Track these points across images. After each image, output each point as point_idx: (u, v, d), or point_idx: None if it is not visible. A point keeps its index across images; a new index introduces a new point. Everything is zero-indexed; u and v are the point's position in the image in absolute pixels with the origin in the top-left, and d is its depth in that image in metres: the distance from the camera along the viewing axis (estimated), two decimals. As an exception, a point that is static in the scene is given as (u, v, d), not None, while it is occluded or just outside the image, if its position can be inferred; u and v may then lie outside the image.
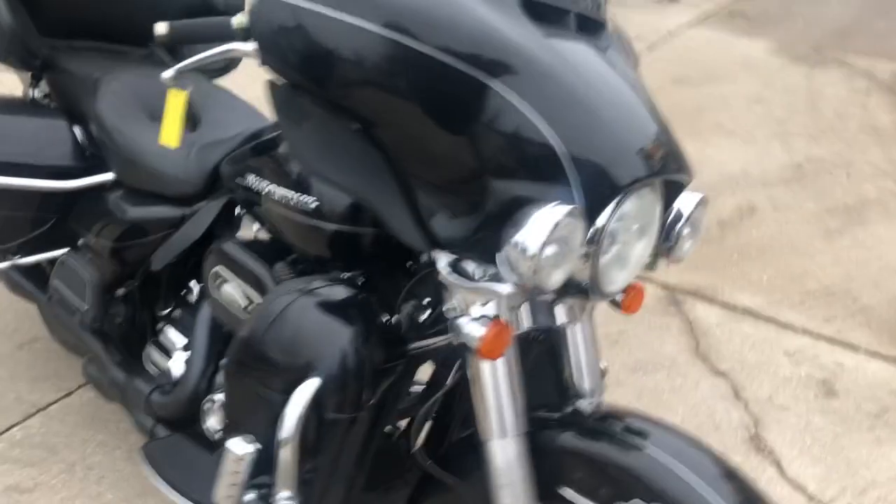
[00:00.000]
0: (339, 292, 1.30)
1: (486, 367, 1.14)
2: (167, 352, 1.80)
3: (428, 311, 1.32)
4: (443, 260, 1.12)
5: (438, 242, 1.11)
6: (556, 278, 1.04)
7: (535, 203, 1.00)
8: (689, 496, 1.08)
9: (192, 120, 1.90)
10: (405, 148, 1.10)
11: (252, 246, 1.53)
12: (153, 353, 1.82)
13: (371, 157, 1.12)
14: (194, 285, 1.79)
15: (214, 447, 1.56)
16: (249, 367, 1.32)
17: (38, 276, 2.10)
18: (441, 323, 1.27)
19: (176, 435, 1.67)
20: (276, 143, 1.45)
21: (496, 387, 1.15)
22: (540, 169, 1.01)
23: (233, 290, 1.49)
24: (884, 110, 4.30)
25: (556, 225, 0.98)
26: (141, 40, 2.01)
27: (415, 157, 1.10)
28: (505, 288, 1.06)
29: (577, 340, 1.28)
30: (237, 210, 1.60)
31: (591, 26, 1.15)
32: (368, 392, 1.26)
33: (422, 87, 1.04)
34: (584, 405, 1.27)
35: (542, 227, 0.98)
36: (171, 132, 1.37)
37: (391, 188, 1.12)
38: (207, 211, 1.64)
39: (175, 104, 1.36)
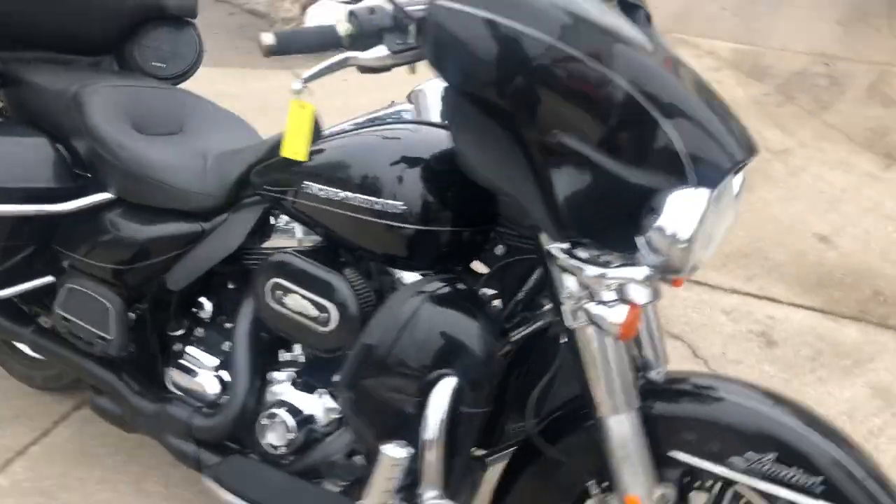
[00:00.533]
0: (457, 291, 1.34)
1: (604, 346, 1.21)
2: (189, 373, 1.72)
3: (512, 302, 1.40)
4: (561, 249, 1.17)
5: (571, 232, 1.15)
6: (699, 258, 1.12)
7: (664, 190, 1.07)
8: (796, 440, 1.20)
9: (178, 129, 1.83)
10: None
11: (313, 255, 1.50)
12: (175, 375, 1.73)
13: (518, 154, 1.14)
14: (205, 302, 1.73)
15: (278, 463, 1.57)
16: (379, 375, 1.32)
17: (8, 310, 1.94)
18: (528, 310, 1.38)
19: (236, 455, 1.62)
20: (323, 150, 1.45)
21: (616, 364, 1.23)
22: (664, 159, 1.08)
23: (300, 301, 1.46)
24: (736, 84, 4.74)
25: (706, 208, 1.07)
26: (88, 49, 1.94)
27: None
28: (641, 271, 1.13)
29: (649, 315, 1.39)
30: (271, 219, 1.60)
31: (630, 8, 1.21)
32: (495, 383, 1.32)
33: (581, 94, 1.09)
34: (655, 375, 1.36)
35: (692, 211, 1.06)
36: (299, 145, 1.34)
37: (533, 183, 1.14)
38: (240, 223, 1.60)
39: (302, 116, 1.33)
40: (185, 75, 1.99)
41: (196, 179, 1.65)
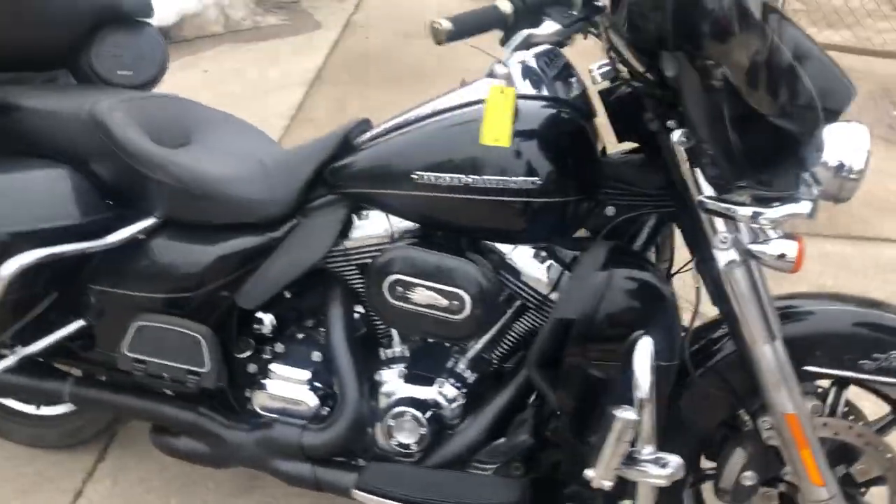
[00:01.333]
0: (630, 253, 1.42)
1: (756, 282, 1.32)
2: (280, 392, 1.60)
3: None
4: (714, 198, 1.27)
5: (746, 175, 1.22)
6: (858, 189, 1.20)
7: (810, 132, 1.18)
8: None
9: (189, 139, 1.71)
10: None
11: (429, 244, 1.48)
12: (262, 398, 1.61)
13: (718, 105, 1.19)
14: (265, 316, 1.62)
15: (416, 460, 1.56)
16: (581, 345, 1.34)
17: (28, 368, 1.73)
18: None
19: (371, 464, 1.56)
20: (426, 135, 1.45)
21: (766, 297, 1.34)
22: (805, 103, 1.18)
23: (427, 293, 1.43)
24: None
25: (868, 142, 1.17)
26: (41, 63, 1.78)
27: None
28: (805, 206, 1.19)
29: None
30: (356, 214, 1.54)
31: None
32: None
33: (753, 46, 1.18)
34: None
35: (858, 143, 1.16)
36: (501, 132, 1.31)
37: (726, 133, 1.19)
38: (323, 227, 1.52)
39: (503, 101, 1.30)
40: (155, 80, 1.81)
41: (260, 188, 1.56)
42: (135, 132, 1.58)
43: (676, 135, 1.28)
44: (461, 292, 1.42)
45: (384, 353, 1.59)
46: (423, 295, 1.44)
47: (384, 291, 1.46)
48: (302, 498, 1.78)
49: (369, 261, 1.51)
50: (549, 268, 1.46)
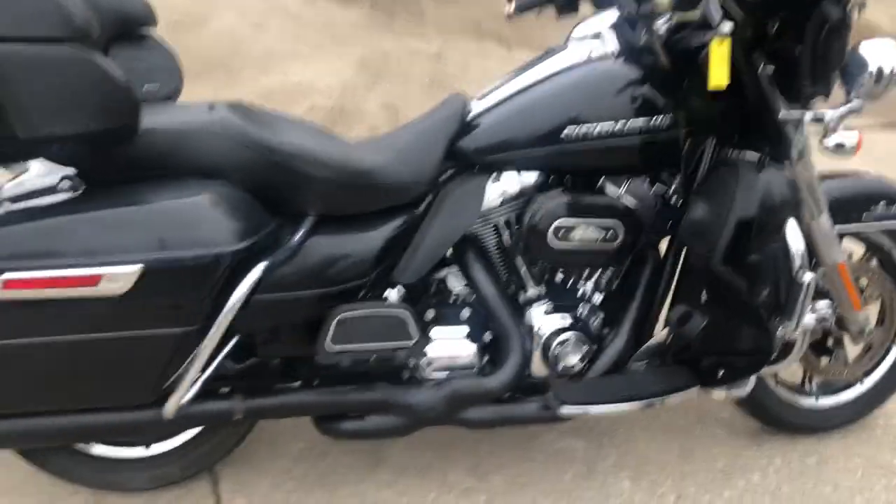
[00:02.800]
0: (760, 157, 1.62)
1: (813, 169, 1.66)
2: (445, 351, 1.69)
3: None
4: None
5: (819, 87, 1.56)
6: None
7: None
8: None
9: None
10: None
11: (575, 189, 1.66)
12: (430, 359, 1.68)
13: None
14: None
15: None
16: (756, 237, 1.56)
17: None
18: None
19: (560, 385, 1.71)
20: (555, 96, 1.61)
21: (817, 179, 1.69)
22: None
23: (586, 231, 1.63)
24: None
25: None
26: None
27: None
28: (858, 103, 1.54)
29: None
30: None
31: None
32: None
33: None
34: None
35: (890, 55, 1.53)
36: (721, 76, 1.49)
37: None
38: (468, 197, 1.64)
39: (722, 50, 1.48)
40: (179, 90, 1.67)
41: (403, 171, 1.60)
42: (279, 134, 1.54)
43: (762, 67, 1.57)
44: (614, 223, 1.64)
45: (522, 297, 1.72)
46: (583, 233, 1.63)
47: (549, 236, 1.61)
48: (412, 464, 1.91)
49: (502, 218, 1.67)
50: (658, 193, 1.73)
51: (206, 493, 1.82)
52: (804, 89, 1.57)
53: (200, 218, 1.38)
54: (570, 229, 1.62)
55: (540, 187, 1.69)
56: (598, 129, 1.59)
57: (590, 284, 1.77)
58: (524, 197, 1.68)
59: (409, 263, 1.62)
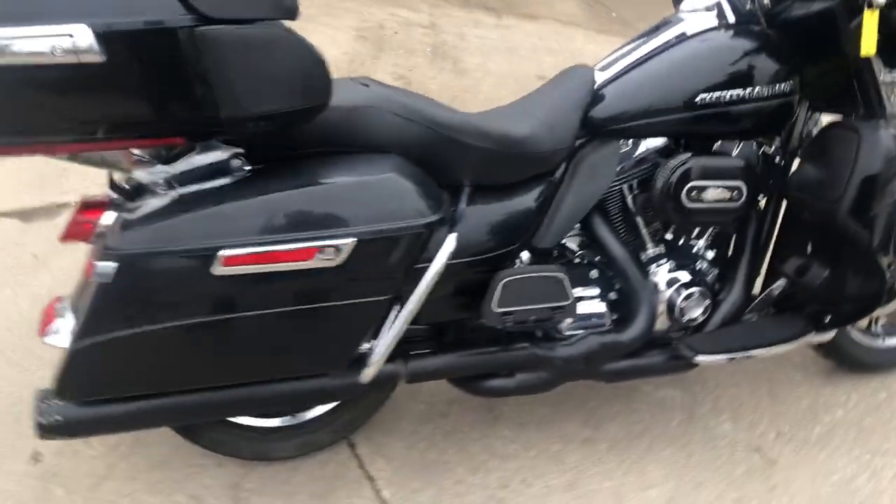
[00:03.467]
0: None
1: None
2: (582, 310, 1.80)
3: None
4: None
5: None
6: None
7: None
8: None
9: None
10: None
11: (702, 152, 1.76)
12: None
13: None
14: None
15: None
16: (880, 190, 1.70)
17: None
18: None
19: (689, 338, 1.84)
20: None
21: None
22: None
23: (716, 192, 1.73)
24: None
25: None
26: None
27: None
28: None
29: None
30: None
31: None
32: None
33: None
34: None
35: None
36: (872, 44, 1.61)
37: None
38: (602, 164, 1.73)
39: (872, 19, 1.60)
40: None
41: (548, 140, 1.66)
42: (438, 109, 1.59)
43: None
44: (739, 183, 1.74)
45: (643, 257, 1.82)
46: (713, 193, 1.73)
47: (682, 198, 1.71)
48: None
49: (626, 183, 1.77)
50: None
51: (346, 456, 1.88)
52: None
53: (401, 191, 1.43)
54: (701, 190, 1.71)
55: (661, 152, 1.78)
56: (729, 95, 1.68)
57: (702, 241, 1.88)
58: (648, 162, 1.78)
59: (548, 229, 1.70)
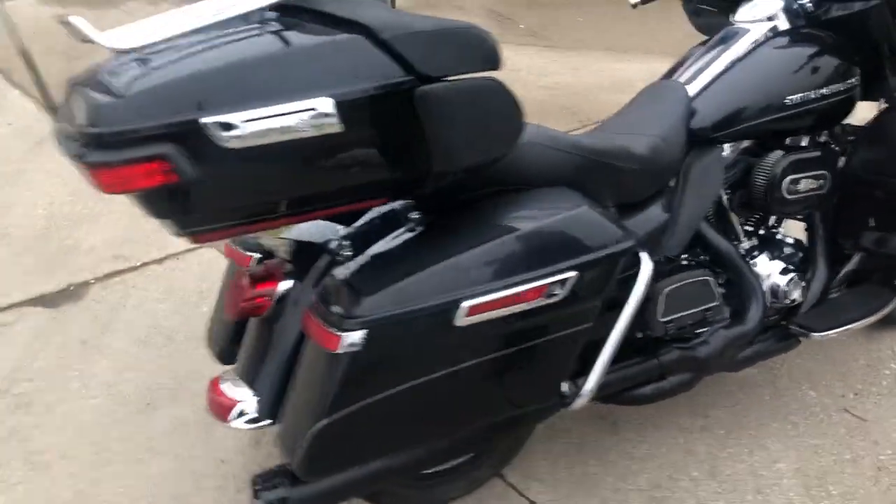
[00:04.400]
0: None
1: None
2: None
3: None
4: None
5: None
6: None
7: None
8: None
9: None
10: None
11: (791, 149, 1.93)
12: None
13: None
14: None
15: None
16: None
17: None
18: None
19: (803, 315, 2.00)
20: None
21: None
22: None
23: (808, 182, 1.91)
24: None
25: None
26: None
27: None
28: None
29: None
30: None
31: None
32: None
33: None
34: None
35: None
36: None
37: None
38: (713, 171, 1.85)
39: None
40: None
41: (668, 153, 1.75)
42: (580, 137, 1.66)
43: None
44: (826, 172, 1.93)
45: (741, 251, 1.94)
46: (806, 184, 1.91)
47: (783, 191, 1.87)
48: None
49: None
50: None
51: (502, 489, 1.91)
52: None
53: (598, 221, 1.49)
54: (797, 182, 1.88)
55: (748, 153, 1.93)
56: (811, 94, 1.83)
57: (782, 230, 2.04)
58: (740, 163, 1.92)
59: (673, 237, 1.79)
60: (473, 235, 1.41)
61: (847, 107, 1.93)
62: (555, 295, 1.41)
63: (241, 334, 1.65)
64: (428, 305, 1.32)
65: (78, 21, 1.19)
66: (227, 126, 1.12)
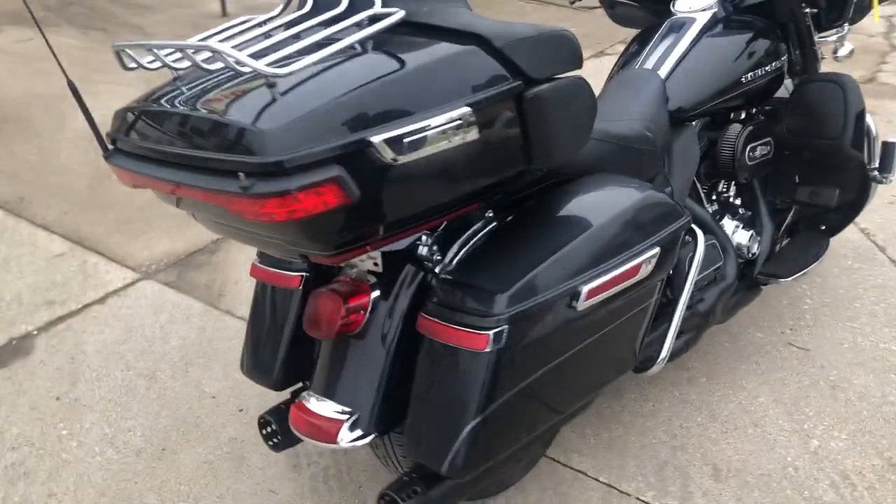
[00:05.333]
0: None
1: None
2: None
3: None
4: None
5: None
6: None
7: None
8: None
9: None
10: None
11: (746, 121, 2.23)
12: None
13: None
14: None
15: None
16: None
17: None
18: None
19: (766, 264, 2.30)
20: None
21: None
22: None
23: (763, 148, 2.21)
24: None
25: None
26: None
27: None
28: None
29: None
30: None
31: None
32: None
33: None
34: None
35: None
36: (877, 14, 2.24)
37: None
38: (692, 142, 2.09)
39: None
40: None
41: (662, 135, 1.93)
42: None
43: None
44: (771, 139, 2.22)
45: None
46: (761, 150, 2.19)
47: (746, 158, 2.13)
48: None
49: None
50: None
51: (546, 465, 2.02)
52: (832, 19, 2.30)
53: (663, 200, 1.65)
54: (754, 149, 2.14)
55: (706, 128, 2.17)
56: (761, 71, 2.11)
57: (732, 192, 2.29)
58: (702, 138, 2.15)
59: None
60: (571, 225, 1.51)
61: (781, 81, 2.22)
62: (644, 271, 1.55)
63: (305, 355, 1.64)
64: (556, 294, 1.41)
65: (224, 47, 1.15)
66: (394, 142, 1.15)
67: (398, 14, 1.28)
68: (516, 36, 1.30)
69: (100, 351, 2.41)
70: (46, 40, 1.44)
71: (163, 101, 1.32)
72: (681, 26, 2.16)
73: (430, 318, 1.41)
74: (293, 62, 1.16)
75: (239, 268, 2.85)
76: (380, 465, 1.93)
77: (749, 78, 2.10)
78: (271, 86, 1.17)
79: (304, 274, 1.66)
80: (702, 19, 2.15)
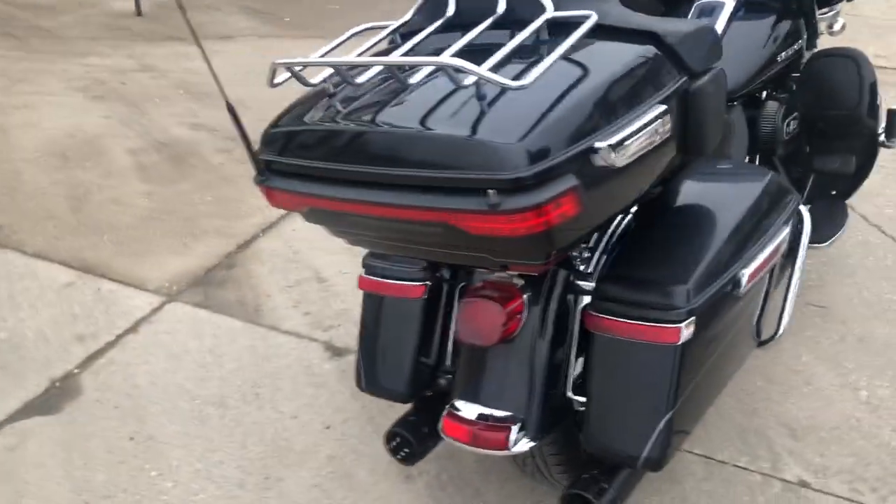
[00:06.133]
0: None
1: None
2: None
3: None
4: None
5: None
6: None
7: None
8: None
9: None
10: None
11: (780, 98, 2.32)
12: None
13: None
14: None
15: None
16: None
17: None
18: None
19: None
20: None
21: None
22: None
23: (794, 123, 2.35)
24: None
25: None
26: None
27: None
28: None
29: None
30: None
31: None
32: None
33: None
34: None
35: None
36: None
37: None
38: (739, 120, 2.18)
39: None
40: None
41: None
42: None
43: None
44: (798, 114, 2.34)
45: None
46: (793, 125, 2.34)
47: (783, 133, 2.25)
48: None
49: None
50: None
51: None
52: None
53: (783, 184, 1.75)
54: (789, 124, 2.28)
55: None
56: (790, 51, 2.23)
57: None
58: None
59: None
60: (714, 214, 1.57)
61: (801, 56, 2.36)
62: (782, 250, 1.65)
63: (426, 365, 1.64)
64: (725, 282, 1.47)
65: (457, 62, 1.12)
66: (616, 146, 1.17)
67: (592, 18, 1.29)
68: (682, 31, 1.36)
69: (154, 383, 2.28)
70: (206, 60, 1.35)
71: (339, 120, 1.28)
72: (711, 10, 2.23)
73: (604, 316, 1.43)
74: (525, 74, 1.15)
75: (264, 280, 2.76)
76: (489, 465, 1.95)
77: (783, 56, 2.21)
78: (496, 99, 1.16)
79: (427, 283, 1.64)
80: (730, 3, 2.23)
